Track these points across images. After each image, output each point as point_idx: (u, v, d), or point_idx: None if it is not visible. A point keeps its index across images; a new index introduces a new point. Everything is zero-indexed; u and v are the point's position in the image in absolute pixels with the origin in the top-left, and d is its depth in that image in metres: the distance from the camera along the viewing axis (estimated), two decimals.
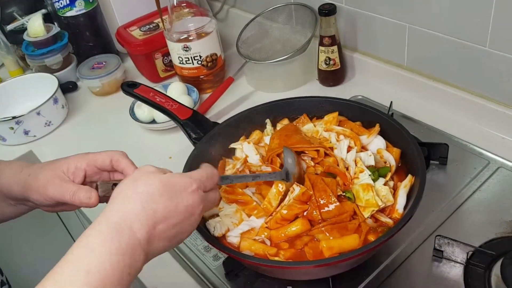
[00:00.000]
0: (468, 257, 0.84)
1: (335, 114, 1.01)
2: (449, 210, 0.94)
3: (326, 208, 0.82)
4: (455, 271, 0.84)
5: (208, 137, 0.99)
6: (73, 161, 0.77)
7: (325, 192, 0.83)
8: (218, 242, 0.81)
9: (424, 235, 0.91)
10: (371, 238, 0.81)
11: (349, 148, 0.93)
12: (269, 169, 0.91)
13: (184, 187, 0.66)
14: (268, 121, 1.04)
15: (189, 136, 1.00)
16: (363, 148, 0.95)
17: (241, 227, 0.84)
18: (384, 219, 0.83)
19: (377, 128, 0.95)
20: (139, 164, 1.19)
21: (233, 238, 0.84)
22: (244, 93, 1.39)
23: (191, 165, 0.92)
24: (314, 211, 0.82)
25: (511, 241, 0.86)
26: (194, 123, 1.01)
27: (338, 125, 0.99)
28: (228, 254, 0.78)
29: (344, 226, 0.81)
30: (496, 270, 0.81)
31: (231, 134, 1.02)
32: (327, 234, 0.80)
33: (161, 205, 0.63)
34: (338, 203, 0.82)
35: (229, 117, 1.03)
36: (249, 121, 1.05)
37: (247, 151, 0.97)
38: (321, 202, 0.82)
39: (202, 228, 0.82)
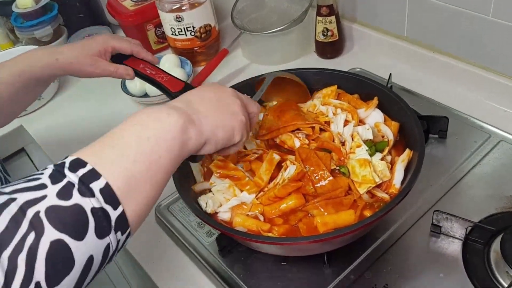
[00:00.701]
0: (467, 232, 0.82)
1: (334, 87, 0.97)
2: (448, 185, 0.92)
3: (320, 183, 0.80)
4: (454, 247, 0.82)
5: None
6: (98, 44, 0.95)
7: (318, 167, 0.80)
8: (210, 218, 0.78)
9: (422, 210, 0.88)
10: (367, 213, 0.79)
11: (346, 122, 0.90)
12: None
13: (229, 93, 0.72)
14: None
15: None
16: (361, 122, 0.92)
17: (231, 202, 0.82)
18: (380, 194, 0.80)
19: (375, 101, 0.92)
20: None
21: (223, 214, 0.82)
22: (239, 66, 1.36)
23: None
24: (308, 186, 0.80)
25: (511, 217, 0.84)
26: None
27: (336, 99, 0.96)
28: (220, 231, 0.76)
29: (339, 202, 0.79)
30: (496, 246, 0.79)
31: None
32: (322, 210, 0.78)
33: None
34: (331, 178, 0.79)
35: None
36: (245, 93, 1.01)
37: None
38: (315, 176, 0.80)
39: (194, 204, 0.80)
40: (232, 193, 0.84)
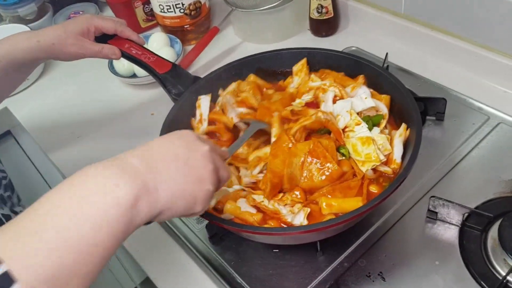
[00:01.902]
0: (463, 219, 0.80)
1: (303, 61, 0.95)
2: (445, 169, 0.89)
3: (325, 174, 0.77)
4: (450, 233, 0.80)
5: (189, 93, 0.92)
6: (81, 23, 0.89)
7: (325, 159, 0.77)
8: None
9: (417, 196, 0.86)
10: (374, 189, 0.77)
11: (335, 99, 0.87)
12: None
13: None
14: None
15: (169, 92, 0.93)
16: None
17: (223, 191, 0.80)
18: (383, 168, 0.78)
19: (360, 80, 0.90)
20: (118, 121, 1.15)
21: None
22: (230, 45, 1.31)
23: (171, 123, 0.86)
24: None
25: (510, 202, 0.82)
26: (174, 78, 0.94)
27: (321, 78, 0.93)
28: (209, 221, 0.73)
29: (346, 186, 0.77)
30: (493, 232, 0.77)
31: (214, 89, 0.95)
32: (329, 197, 0.76)
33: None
34: (337, 167, 0.77)
35: (212, 71, 0.96)
36: (234, 75, 0.97)
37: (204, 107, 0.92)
38: (320, 167, 0.77)
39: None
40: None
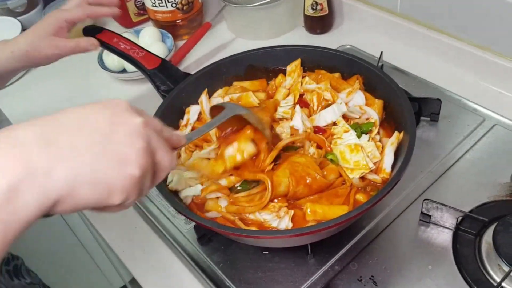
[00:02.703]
0: (457, 222, 0.78)
1: (298, 61, 0.93)
2: (439, 171, 0.88)
3: (314, 188, 0.75)
4: (443, 237, 0.78)
5: (178, 90, 0.89)
6: (49, 22, 0.84)
7: (309, 175, 0.74)
8: (186, 209, 0.73)
9: (411, 198, 0.84)
10: (361, 197, 0.75)
11: (325, 105, 0.86)
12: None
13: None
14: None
15: (157, 88, 0.90)
16: None
17: (196, 189, 0.78)
18: (371, 176, 0.76)
19: (356, 86, 0.87)
20: None
21: (185, 197, 0.78)
22: (223, 41, 1.29)
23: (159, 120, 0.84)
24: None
25: (505, 206, 0.80)
26: (163, 74, 0.91)
27: (317, 80, 0.91)
28: (196, 222, 0.70)
29: (334, 193, 0.75)
30: (487, 237, 0.76)
31: (204, 87, 0.93)
32: (316, 203, 0.74)
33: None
34: (324, 180, 0.75)
35: (202, 67, 0.94)
36: (225, 72, 0.95)
37: (206, 108, 0.90)
38: (308, 183, 0.75)
39: (168, 193, 0.74)
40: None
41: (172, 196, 0.74)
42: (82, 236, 1.54)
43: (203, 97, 0.91)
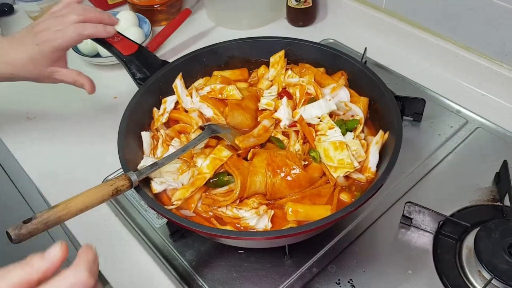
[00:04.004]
0: (439, 226, 0.76)
1: (281, 53, 0.90)
2: (421, 173, 0.86)
3: (292, 184, 0.72)
4: (424, 241, 0.77)
5: (155, 78, 0.85)
6: (50, 55, 0.83)
7: (287, 166, 0.72)
8: (158, 205, 0.68)
9: (391, 200, 0.82)
10: (345, 197, 0.73)
11: (307, 99, 0.84)
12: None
13: None
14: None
15: (133, 76, 0.86)
16: None
17: (171, 183, 0.75)
18: (356, 175, 0.74)
19: (341, 82, 0.84)
20: (77, 103, 1.06)
21: (156, 185, 0.74)
22: (202, 29, 1.24)
23: (133, 110, 0.79)
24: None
25: (486, 211, 0.79)
26: (140, 61, 0.86)
27: (301, 74, 0.88)
28: (168, 219, 0.66)
29: (316, 193, 0.72)
30: (468, 242, 0.74)
31: (183, 75, 0.88)
32: (298, 203, 0.71)
33: None
34: (304, 172, 0.72)
35: (182, 56, 0.89)
36: (204, 62, 0.91)
37: (182, 93, 0.86)
38: (285, 176, 0.72)
39: (154, 201, 0.69)
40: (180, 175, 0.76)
41: (145, 192, 0.70)
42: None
43: (178, 81, 0.87)
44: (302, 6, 1.17)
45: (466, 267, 0.72)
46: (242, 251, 0.77)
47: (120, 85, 1.09)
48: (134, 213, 0.84)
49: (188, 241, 0.79)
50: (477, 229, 0.73)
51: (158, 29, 1.20)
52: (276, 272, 0.74)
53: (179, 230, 0.78)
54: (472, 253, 0.71)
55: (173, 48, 1.18)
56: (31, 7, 1.28)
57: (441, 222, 0.76)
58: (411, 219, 0.78)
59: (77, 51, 1.14)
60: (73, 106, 1.06)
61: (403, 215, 0.78)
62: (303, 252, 0.76)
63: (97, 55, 1.14)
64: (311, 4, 1.17)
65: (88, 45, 1.12)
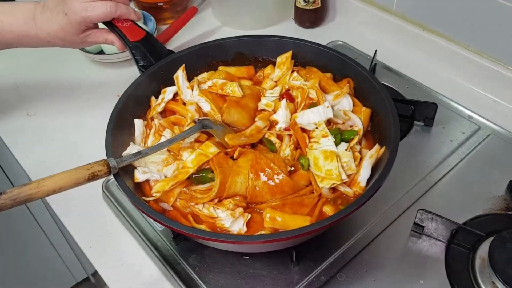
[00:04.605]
0: (451, 235, 0.74)
1: (288, 54, 0.88)
2: (432, 180, 0.83)
3: (274, 189, 0.69)
4: (435, 250, 0.74)
5: (157, 67, 0.83)
6: (74, 24, 0.84)
7: (272, 170, 0.69)
8: (150, 208, 0.65)
9: (403, 207, 0.80)
10: (328, 209, 0.69)
11: (308, 103, 0.81)
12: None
13: None
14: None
15: (136, 63, 0.84)
16: None
17: (154, 175, 0.73)
18: (343, 189, 0.71)
19: (345, 89, 0.81)
20: (79, 101, 1.04)
21: (140, 174, 0.72)
22: (208, 28, 1.22)
23: (131, 94, 0.79)
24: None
25: (500, 220, 0.77)
26: (146, 48, 0.85)
27: (306, 77, 0.86)
28: (140, 210, 0.64)
29: (299, 201, 0.69)
30: (481, 252, 0.72)
31: (187, 67, 0.86)
32: (277, 210, 0.69)
33: None
34: (287, 178, 0.69)
35: (189, 47, 0.88)
36: (211, 56, 0.90)
37: (182, 85, 0.84)
38: (267, 180, 0.69)
39: (130, 191, 0.67)
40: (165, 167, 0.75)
41: (123, 181, 0.67)
42: (46, 225, 1.45)
43: (180, 72, 0.85)
44: (311, 7, 1.15)
45: (480, 277, 0.69)
46: (247, 257, 0.74)
47: (123, 82, 1.04)
48: (136, 215, 0.82)
49: (191, 245, 0.76)
50: (491, 238, 0.70)
51: (163, 27, 1.17)
52: (283, 280, 0.72)
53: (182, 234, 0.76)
54: (486, 263, 0.68)
55: (178, 46, 1.15)
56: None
57: (453, 231, 0.74)
58: (423, 227, 0.75)
59: (80, 48, 1.11)
60: (74, 103, 1.04)
61: (415, 223, 0.75)
62: (310, 259, 0.73)
63: (101, 52, 1.11)
64: (319, 5, 1.15)
65: None
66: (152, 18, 1.17)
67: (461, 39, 1.00)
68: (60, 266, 1.62)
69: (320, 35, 1.17)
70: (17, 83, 1.10)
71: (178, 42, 1.16)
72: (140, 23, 1.13)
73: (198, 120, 0.77)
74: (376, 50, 1.01)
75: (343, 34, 1.16)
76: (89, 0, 0.82)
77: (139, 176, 0.71)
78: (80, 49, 1.10)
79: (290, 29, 1.21)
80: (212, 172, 0.70)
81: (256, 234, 0.67)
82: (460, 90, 0.99)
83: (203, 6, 1.17)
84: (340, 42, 1.13)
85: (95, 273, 1.64)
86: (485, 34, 0.96)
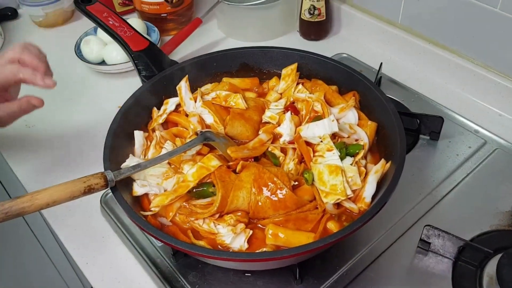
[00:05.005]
0: (458, 252, 0.72)
1: (294, 66, 0.87)
2: (438, 195, 0.82)
3: (277, 204, 0.68)
4: (442, 267, 0.72)
5: (160, 77, 0.82)
6: None
7: (275, 184, 0.68)
8: (147, 224, 0.64)
9: (408, 223, 0.78)
10: (332, 226, 0.68)
11: (313, 116, 0.80)
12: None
13: None
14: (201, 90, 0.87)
15: (139, 72, 0.84)
16: None
17: (154, 189, 0.72)
18: (348, 204, 0.69)
19: (351, 102, 0.80)
20: (79, 113, 1.03)
21: (138, 188, 0.71)
22: (212, 39, 1.21)
23: (133, 104, 0.78)
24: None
25: (508, 236, 0.75)
26: (149, 58, 0.85)
27: (311, 90, 0.85)
28: (154, 237, 0.62)
29: (303, 217, 0.68)
30: (489, 269, 0.70)
31: (191, 78, 0.85)
32: (280, 226, 0.67)
33: None
34: (290, 192, 0.67)
35: (193, 58, 0.87)
36: (215, 67, 0.89)
37: (185, 96, 0.83)
38: (270, 195, 0.68)
39: (127, 205, 0.65)
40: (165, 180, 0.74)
41: (121, 195, 0.66)
42: (45, 241, 1.43)
43: (183, 83, 0.84)
44: (316, 19, 1.14)
45: None
46: (249, 274, 0.72)
47: (125, 93, 1.03)
48: (134, 230, 0.80)
49: (192, 262, 0.74)
50: (499, 255, 0.68)
51: (167, 38, 1.17)
52: None
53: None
54: (494, 281, 0.66)
55: (182, 57, 1.14)
56: (35, 11, 1.25)
57: (460, 248, 0.72)
58: (429, 243, 0.73)
59: (81, 57, 1.11)
60: (75, 114, 1.02)
61: (421, 239, 0.74)
62: (314, 277, 0.71)
63: (103, 62, 1.10)
64: (324, 18, 1.14)
65: (93, 52, 1.09)
66: (156, 29, 1.17)
67: (467, 52, 0.99)
68: (59, 282, 1.59)
69: (325, 48, 1.16)
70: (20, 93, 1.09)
71: (182, 53, 1.16)
72: (143, 34, 1.12)
73: (201, 132, 0.76)
74: (381, 63, 1.00)
75: (348, 46, 1.15)
76: None
77: (138, 190, 0.70)
78: (81, 59, 1.10)
79: (294, 41, 1.20)
80: (214, 186, 0.69)
81: (258, 251, 0.65)
82: (466, 104, 0.98)
83: (207, 17, 1.16)
84: (345, 55, 1.12)
85: None
86: (492, 48, 0.94)
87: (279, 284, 0.71)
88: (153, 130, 0.81)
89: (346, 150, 0.74)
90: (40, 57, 0.76)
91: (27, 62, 0.75)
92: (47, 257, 1.47)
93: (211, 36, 1.22)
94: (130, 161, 0.73)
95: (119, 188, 0.66)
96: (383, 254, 0.74)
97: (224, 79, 0.89)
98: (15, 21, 1.33)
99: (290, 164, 0.74)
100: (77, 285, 1.61)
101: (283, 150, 0.77)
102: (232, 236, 0.65)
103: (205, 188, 0.69)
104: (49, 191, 0.58)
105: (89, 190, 0.61)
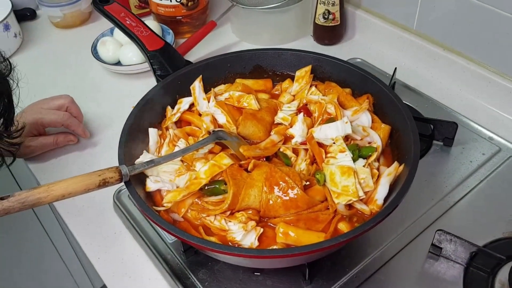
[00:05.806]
0: (470, 257, 0.71)
1: (308, 68, 0.87)
2: (451, 201, 0.81)
3: (288, 203, 0.68)
4: (453, 272, 0.72)
5: (175, 76, 0.83)
6: (29, 128, 0.86)
7: (287, 183, 0.68)
8: (160, 218, 0.64)
9: (420, 227, 0.77)
10: (343, 227, 0.67)
11: (326, 118, 0.80)
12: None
13: None
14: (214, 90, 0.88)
15: (154, 72, 0.85)
16: None
17: (166, 185, 0.72)
18: (360, 206, 0.69)
19: (365, 105, 0.80)
20: (94, 112, 1.04)
21: (152, 184, 0.71)
22: (226, 43, 1.22)
23: (144, 107, 0.79)
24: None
25: None
26: (164, 57, 0.86)
27: (325, 92, 0.85)
28: (166, 231, 0.63)
29: (314, 217, 0.67)
30: (502, 276, 0.69)
31: (205, 78, 0.86)
32: (291, 225, 0.67)
33: None
34: (302, 192, 0.67)
35: (207, 58, 0.88)
36: (229, 68, 0.89)
37: (199, 96, 0.84)
38: (281, 195, 0.68)
39: (141, 199, 0.66)
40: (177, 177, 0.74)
41: (134, 189, 0.66)
42: (55, 237, 1.44)
43: (197, 83, 0.85)
44: (330, 24, 1.14)
45: None
46: (259, 273, 0.72)
47: (139, 94, 1.05)
48: (146, 226, 0.80)
49: (202, 259, 0.75)
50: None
51: (182, 41, 1.18)
52: None
53: (192, 246, 0.74)
54: (505, 287, 0.66)
55: (196, 59, 1.13)
56: (54, 12, 1.27)
57: (473, 253, 0.71)
58: (441, 248, 0.73)
59: (97, 57, 1.12)
60: (89, 114, 1.03)
61: (433, 244, 0.73)
62: (324, 278, 0.71)
63: (118, 63, 1.12)
64: (339, 22, 1.14)
65: (109, 52, 1.10)
66: (171, 31, 1.18)
67: (482, 59, 0.99)
68: (67, 277, 1.60)
69: (338, 52, 1.16)
70: (33, 91, 1.11)
71: (196, 55, 1.16)
72: None
73: (213, 131, 0.76)
74: (395, 68, 1.00)
75: (362, 51, 1.15)
76: (48, 108, 0.89)
77: (151, 185, 0.71)
78: (97, 59, 1.11)
79: (308, 45, 1.20)
80: (225, 184, 0.69)
81: (268, 248, 0.65)
82: (480, 111, 0.97)
83: (221, 20, 1.17)
84: (358, 60, 1.12)
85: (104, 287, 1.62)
86: (508, 55, 0.94)
87: (288, 284, 0.71)
88: (167, 128, 0.81)
89: (358, 152, 0.73)
90: (80, 112, 0.95)
91: (74, 114, 0.92)
92: (56, 252, 1.48)
93: (225, 40, 1.23)
94: (144, 157, 0.73)
95: (133, 183, 0.66)
96: (394, 258, 0.73)
97: (238, 80, 0.89)
98: (33, 22, 1.35)
99: (302, 164, 0.74)
100: (85, 280, 1.62)
101: (295, 151, 0.77)
102: (243, 233, 0.65)
103: (217, 186, 0.70)
104: (64, 183, 0.59)
105: (104, 184, 0.62)
